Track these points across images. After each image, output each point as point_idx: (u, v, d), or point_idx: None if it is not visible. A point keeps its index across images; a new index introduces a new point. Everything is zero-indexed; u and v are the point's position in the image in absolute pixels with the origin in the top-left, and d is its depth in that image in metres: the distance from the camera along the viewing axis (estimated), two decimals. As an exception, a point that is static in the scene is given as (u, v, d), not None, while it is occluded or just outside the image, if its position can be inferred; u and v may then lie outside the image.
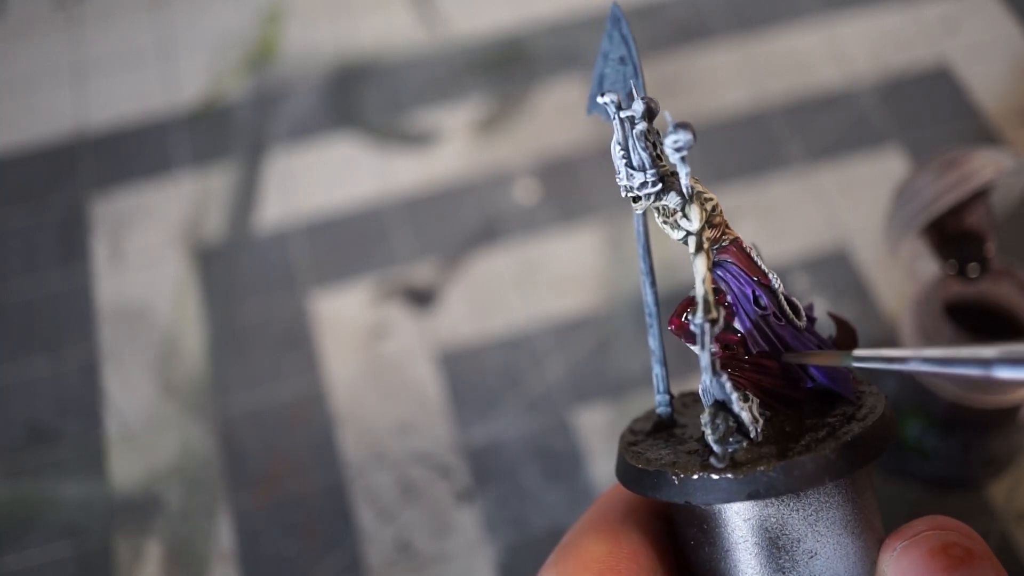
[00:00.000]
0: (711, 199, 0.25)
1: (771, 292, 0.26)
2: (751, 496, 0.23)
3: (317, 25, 0.69)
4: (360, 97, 0.65)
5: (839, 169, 0.60)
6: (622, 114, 0.24)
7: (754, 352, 0.25)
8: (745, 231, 0.58)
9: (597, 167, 0.61)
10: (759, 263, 0.26)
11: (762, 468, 0.23)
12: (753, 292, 0.25)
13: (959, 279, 0.44)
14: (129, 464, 0.53)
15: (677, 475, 0.24)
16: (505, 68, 0.66)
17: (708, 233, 0.25)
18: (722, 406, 0.24)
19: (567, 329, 0.55)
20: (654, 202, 0.25)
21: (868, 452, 0.24)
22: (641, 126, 0.25)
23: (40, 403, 0.55)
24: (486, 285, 0.57)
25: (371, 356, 0.55)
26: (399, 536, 0.50)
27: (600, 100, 0.24)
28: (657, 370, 0.28)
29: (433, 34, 0.68)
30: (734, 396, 0.24)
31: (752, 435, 0.24)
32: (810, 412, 0.25)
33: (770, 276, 0.26)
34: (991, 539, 0.48)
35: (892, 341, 0.47)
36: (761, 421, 0.24)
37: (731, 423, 0.24)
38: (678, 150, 0.24)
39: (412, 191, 0.61)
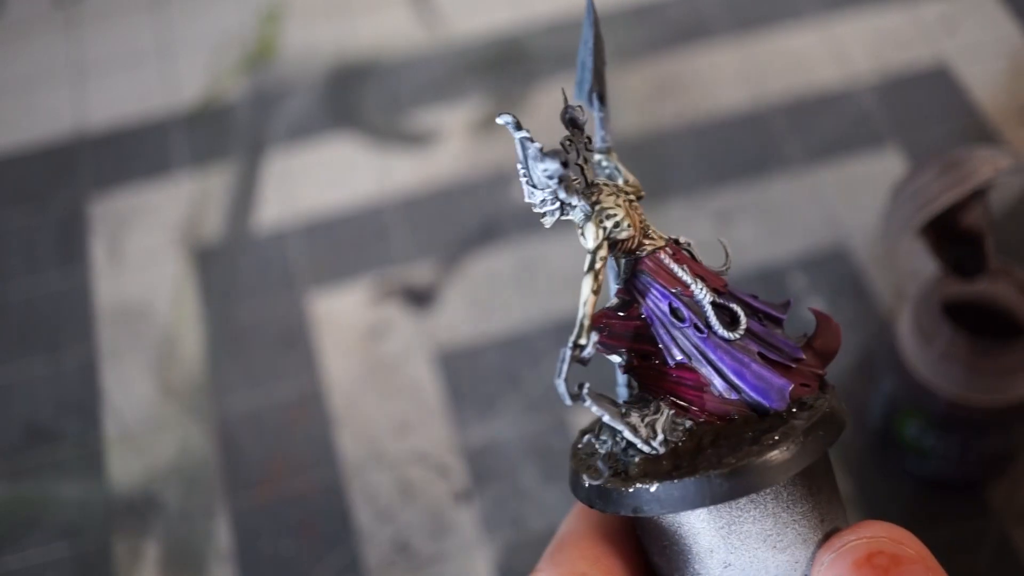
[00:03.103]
0: (614, 215, 0.24)
1: (694, 303, 0.25)
2: (635, 511, 0.23)
3: (316, 25, 0.69)
4: (359, 97, 0.65)
5: (838, 169, 0.60)
6: (518, 135, 0.24)
7: (671, 363, 0.25)
8: (744, 230, 0.58)
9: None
10: (680, 274, 0.25)
11: (643, 485, 0.23)
12: (670, 304, 0.25)
13: (957, 279, 0.44)
14: (128, 464, 0.53)
15: (584, 479, 0.25)
16: (504, 68, 0.66)
17: (603, 252, 0.24)
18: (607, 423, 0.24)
19: (566, 329, 0.55)
20: (559, 218, 0.25)
21: (758, 480, 0.23)
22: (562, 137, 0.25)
23: (40, 403, 0.55)
24: (485, 285, 0.57)
25: (370, 356, 0.55)
26: (397, 536, 0.50)
27: (498, 120, 0.24)
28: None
29: (432, 34, 0.68)
30: (606, 416, 0.24)
31: (647, 450, 0.24)
32: (740, 423, 0.25)
33: (693, 287, 0.25)
34: (989, 539, 0.48)
35: (890, 341, 0.47)
36: (661, 435, 0.24)
37: (618, 438, 0.25)
38: (549, 178, 0.23)
39: (411, 191, 0.61)
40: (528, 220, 0.59)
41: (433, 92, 0.65)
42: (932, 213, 0.42)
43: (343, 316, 0.57)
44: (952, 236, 0.43)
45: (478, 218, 0.60)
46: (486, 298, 0.57)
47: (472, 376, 0.54)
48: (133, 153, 0.64)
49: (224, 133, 0.64)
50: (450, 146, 0.63)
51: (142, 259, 0.59)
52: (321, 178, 0.62)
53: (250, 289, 0.58)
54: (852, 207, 0.58)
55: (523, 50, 0.67)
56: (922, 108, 0.62)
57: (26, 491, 0.52)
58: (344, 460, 0.52)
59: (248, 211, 0.61)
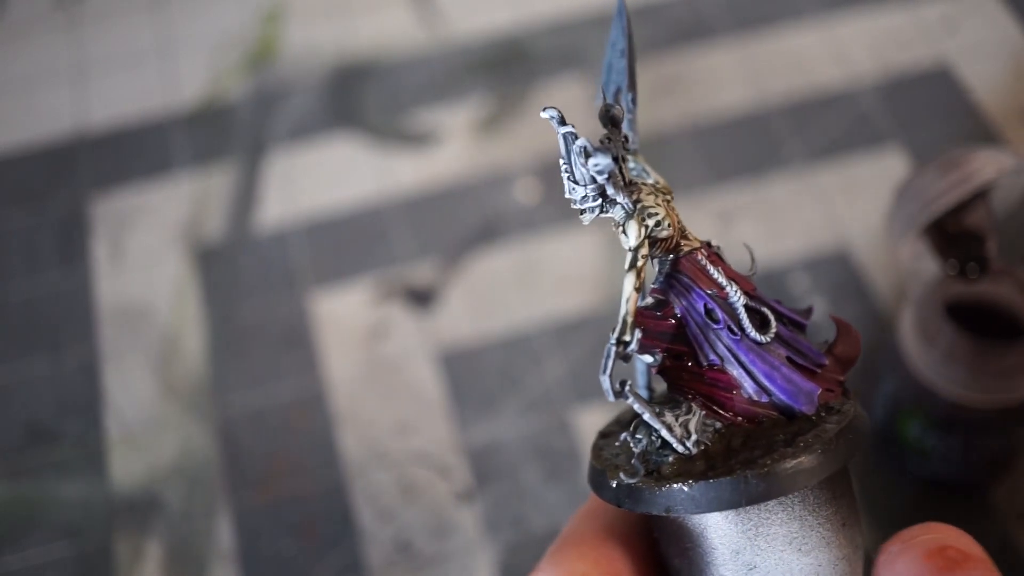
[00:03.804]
0: (655, 214, 0.25)
1: (728, 305, 0.25)
2: (668, 510, 0.24)
3: (317, 25, 0.69)
4: (360, 97, 0.65)
5: (839, 169, 0.60)
6: (562, 130, 0.24)
7: (704, 364, 0.25)
8: (745, 231, 0.58)
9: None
10: (716, 276, 0.25)
11: (678, 484, 0.23)
12: (705, 306, 0.25)
13: (959, 279, 0.44)
14: (129, 464, 0.53)
15: (613, 478, 0.25)
16: (505, 68, 0.66)
17: (644, 251, 0.24)
18: (645, 421, 0.24)
19: (567, 329, 0.55)
20: (599, 215, 0.25)
21: (793, 481, 0.23)
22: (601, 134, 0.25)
23: (40, 403, 0.55)
24: (486, 285, 0.57)
25: (371, 356, 0.55)
26: (399, 536, 0.50)
27: (543, 115, 0.24)
28: (640, 364, 0.28)
29: (433, 34, 0.68)
30: (647, 414, 0.24)
31: (681, 449, 0.24)
32: (769, 426, 0.25)
33: (728, 289, 0.25)
34: (991, 539, 0.48)
35: (892, 341, 0.47)
36: (694, 436, 0.24)
37: (653, 437, 0.25)
38: (599, 173, 0.23)
39: (412, 191, 0.61)
40: (529, 220, 0.59)
41: (434, 92, 0.65)
42: (935, 213, 0.42)
43: (344, 316, 0.57)
44: (955, 237, 0.43)
45: (479, 218, 0.60)
46: (487, 298, 0.57)
47: (473, 376, 0.54)
48: (134, 153, 0.64)
49: (225, 133, 0.64)
50: (451, 146, 0.63)
51: (143, 259, 0.59)
52: (322, 178, 0.62)
53: (251, 289, 0.58)
54: (853, 207, 0.58)
55: (524, 50, 0.67)
56: (923, 108, 0.62)
57: (27, 491, 0.52)
58: (345, 460, 0.52)
59: (249, 211, 0.61)
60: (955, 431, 0.46)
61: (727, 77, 0.64)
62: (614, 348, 0.23)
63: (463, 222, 0.60)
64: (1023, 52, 0.64)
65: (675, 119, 0.63)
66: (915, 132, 0.61)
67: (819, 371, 0.26)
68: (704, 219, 0.58)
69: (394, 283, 0.58)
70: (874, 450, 0.50)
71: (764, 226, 0.58)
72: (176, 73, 0.67)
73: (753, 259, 0.27)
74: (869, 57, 0.65)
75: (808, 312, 0.27)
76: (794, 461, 0.23)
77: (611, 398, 0.24)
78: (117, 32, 0.69)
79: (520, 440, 0.52)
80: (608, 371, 0.23)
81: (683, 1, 0.68)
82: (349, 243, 0.59)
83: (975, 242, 0.43)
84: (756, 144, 0.62)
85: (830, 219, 0.58)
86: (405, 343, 0.56)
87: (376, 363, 0.55)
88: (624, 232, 0.24)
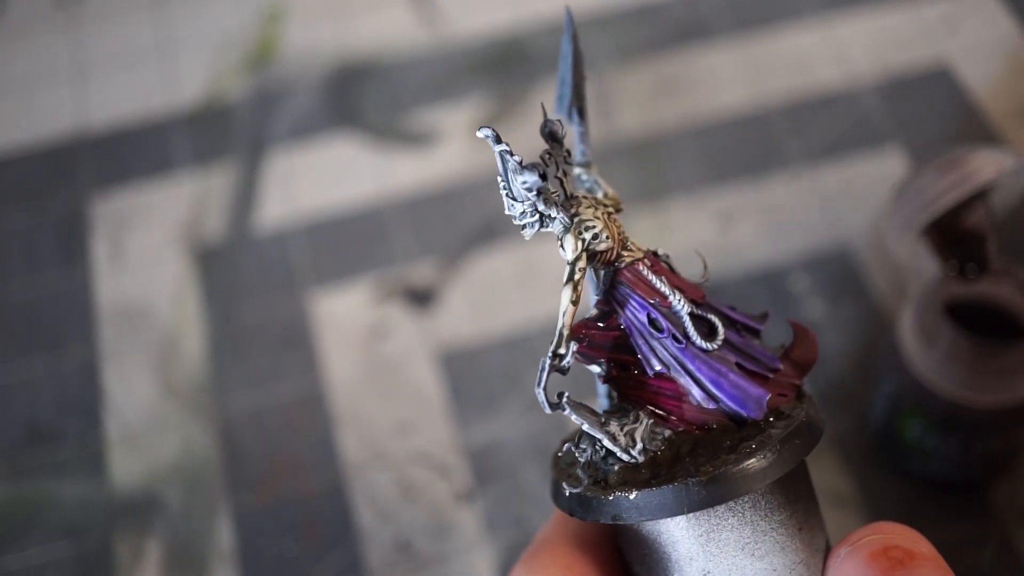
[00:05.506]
0: (592, 227, 0.25)
1: (672, 314, 0.25)
2: (616, 518, 0.24)
3: (317, 25, 0.69)
4: (360, 97, 0.65)
5: (839, 169, 0.60)
6: (497, 148, 0.24)
7: (650, 373, 0.25)
8: (745, 231, 0.58)
9: (597, 167, 0.61)
10: (658, 285, 0.25)
11: (622, 493, 0.24)
12: (648, 315, 0.25)
13: (959, 279, 0.44)
14: (129, 464, 0.53)
15: (564, 487, 0.25)
16: (505, 68, 0.66)
17: (582, 264, 0.25)
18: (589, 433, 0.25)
19: (567, 329, 0.55)
20: (539, 230, 0.25)
21: (736, 487, 0.23)
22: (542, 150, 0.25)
23: (40, 403, 0.55)
24: (486, 285, 0.57)
25: (371, 356, 0.55)
26: (399, 536, 0.50)
27: (479, 134, 0.24)
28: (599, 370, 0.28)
29: (433, 34, 0.68)
30: (586, 425, 0.24)
31: (626, 458, 0.24)
32: (718, 432, 0.25)
33: (671, 298, 0.25)
34: (991, 540, 0.48)
35: (892, 341, 0.47)
36: (640, 444, 0.25)
37: (597, 447, 0.25)
38: (528, 190, 0.24)
39: (412, 191, 0.61)
40: (529, 220, 0.59)
41: (434, 92, 0.65)
42: (934, 214, 0.42)
43: (344, 316, 0.57)
44: (954, 237, 0.43)
45: (479, 218, 0.60)
46: (487, 298, 0.57)
47: (473, 376, 0.54)
48: (134, 153, 0.64)
49: (225, 133, 0.64)
50: (451, 146, 0.63)
51: (143, 259, 0.59)
52: (322, 178, 0.62)
53: (251, 289, 0.58)
54: (853, 207, 0.58)
55: (524, 50, 0.67)
56: (923, 108, 0.62)
57: (27, 491, 0.52)
58: (345, 460, 0.52)
59: (249, 211, 0.61)
60: (955, 431, 0.46)
61: (727, 77, 0.64)
62: (549, 361, 0.24)
63: (463, 222, 0.60)
64: (1023, 52, 0.64)
65: (675, 119, 0.63)
66: (915, 132, 0.61)
67: (772, 376, 0.26)
68: (704, 219, 0.58)
69: (394, 283, 0.58)
70: (874, 450, 0.50)
71: (765, 226, 0.58)
72: (176, 73, 0.67)
73: (706, 266, 0.27)
74: (869, 57, 0.65)
75: (763, 317, 0.27)
76: (736, 467, 0.23)
77: (547, 410, 0.24)
78: (117, 32, 0.69)
79: (520, 440, 0.52)
80: (543, 384, 0.24)
81: (683, 1, 0.68)
82: (349, 243, 0.59)
83: (975, 242, 0.43)
84: (756, 144, 0.62)
85: (830, 219, 0.58)
86: (405, 343, 0.56)
87: (376, 363, 0.55)
88: (562, 246, 0.25)
